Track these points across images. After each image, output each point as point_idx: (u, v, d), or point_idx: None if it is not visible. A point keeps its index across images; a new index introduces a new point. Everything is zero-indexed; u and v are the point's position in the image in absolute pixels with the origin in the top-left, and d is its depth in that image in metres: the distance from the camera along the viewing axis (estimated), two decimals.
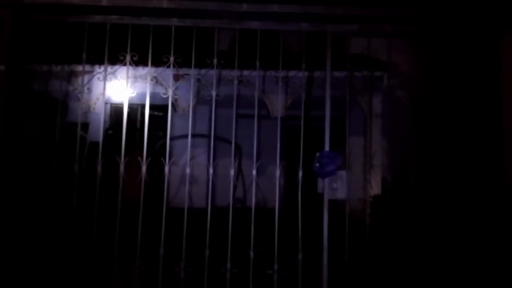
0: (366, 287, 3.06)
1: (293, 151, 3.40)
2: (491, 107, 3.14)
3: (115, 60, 3.44)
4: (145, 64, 3.39)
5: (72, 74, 6.07)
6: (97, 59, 3.51)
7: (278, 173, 3.23)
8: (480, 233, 3.08)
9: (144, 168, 3.19)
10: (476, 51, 3.20)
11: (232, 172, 3.56)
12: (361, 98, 7.33)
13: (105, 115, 9.13)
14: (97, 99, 7.96)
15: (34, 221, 3.43)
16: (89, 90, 6.18)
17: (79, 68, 3.72)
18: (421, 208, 3.42)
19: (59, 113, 3.37)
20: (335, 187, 3.15)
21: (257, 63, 3.32)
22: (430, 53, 3.68)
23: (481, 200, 3.06)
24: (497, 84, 3.13)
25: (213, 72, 3.34)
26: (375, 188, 3.72)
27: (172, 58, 3.30)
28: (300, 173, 3.20)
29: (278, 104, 3.77)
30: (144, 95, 3.37)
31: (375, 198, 5.73)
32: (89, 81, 3.67)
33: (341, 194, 3.16)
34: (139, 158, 3.19)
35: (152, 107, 3.35)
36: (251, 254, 3.09)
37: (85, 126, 7.90)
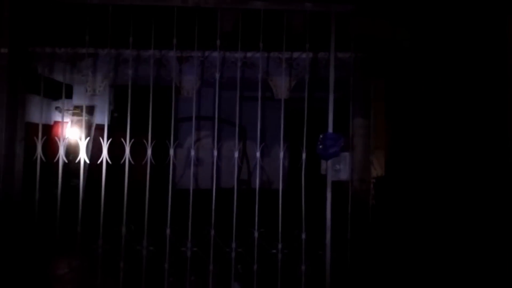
0: (368, 266, 3.12)
1: (297, 133, 3.41)
2: (497, 89, 3.12)
3: (119, 42, 3.43)
4: (148, 47, 3.38)
5: (76, 57, 6.08)
6: (100, 42, 3.50)
7: (281, 154, 3.26)
8: (484, 214, 3.12)
9: (149, 151, 3.24)
10: (481, 33, 3.16)
11: (236, 154, 3.60)
12: (365, 79, 7.27)
13: (110, 98, 9.18)
14: (102, 82, 7.99)
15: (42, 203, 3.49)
16: (93, 73, 6.21)
17: (83, 50, 3.73)
18: (425, 189, 3.45)
19: (63, 96, 3.40)
20: (338, 168, 3.18)
21: (261, 45, 3.30)
22: (435, 35, 3.64)
23: (485, 181, 3.08)
24: (503, 67, 3.10)
25: (216, 54, 3.33)
26: (378, 169, 3.75)
27: (175, 40, 3.30)
28: (304, 155, 3.22)
29: (282, 86, 3.76)
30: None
31: (378, 179, 5.77)
32: (93, 63, 3.66)
33: (344, 175, 3.19)
34: (145, 140, 3.23)
35: (156, 89, 3.37)
36: (256, 234, 3.15)
37: (91, 109, 7.95)
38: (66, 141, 3.27)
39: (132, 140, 3.22)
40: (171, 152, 3.27)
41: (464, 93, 3.33)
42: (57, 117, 7.25)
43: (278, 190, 3.28)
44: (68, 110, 7.19)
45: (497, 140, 3.10)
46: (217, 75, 3.36)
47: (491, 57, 3.15)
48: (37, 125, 3.30)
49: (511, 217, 2.89)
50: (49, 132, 6.56)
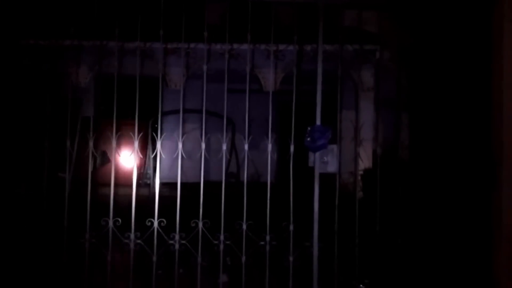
0: (354, 256, 3.16)
1: (285, 125, 3.41)
2: (482, 81, 3.16)
3: (104, 34, 3.38)
4: (135, 39, 3.34)
5: (63, 49, 5.98)
6: (86, 34, 3.44)
7: (270, 147, 3.26)
8: (467, 203, 3.18)
9: (136, 144, 3.21)
10: (468, 24, 3.19)
11: (224, 147, 3.59)
12: (353, 72, 7.32)
13: (97, 90, 9.06)
14: (88, 74, 7.87)
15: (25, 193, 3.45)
16: (79, 65, 6.11)
17: (67, 42, 3.66)
18: (412, 181, 3.49)
19: (50, 88, 3.34)
20: (326, 160, 3.20)
21: (249, 36, 3.28)
22: (422, 26, 3.66)
23: (469, 173, 3.13)
24: (488, 58, 3.13)
25: (203, 46, 3.31)
26: (366, 161, 3.77)
27: (162, 32, 3.25)
28: (292, 147, 3.23)
29: (270, 79, 3.76)
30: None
31: (366, 172, 5.83)
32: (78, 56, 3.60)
33: (331, 167, 3.22)
34: (131, 133, 3.21)
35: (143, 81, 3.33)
36: (244, 226, 3.16)
37: (78, 101, 7.85)
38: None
39: (119, 133, 3.18)
40: (158, 145, 3.25)
41: (451, 85, 3.37)
42: None
43: (266, 182, 3.29)
44: None
45: (481, 138, 3.14)
46: (205, 67, 3.33)
47: (478, 48, 3.18)
48: None
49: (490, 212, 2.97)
50: None
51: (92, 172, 3.28)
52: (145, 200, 4.11)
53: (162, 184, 3.34)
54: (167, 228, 3.18)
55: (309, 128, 3.19)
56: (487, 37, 3.10)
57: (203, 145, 3.29)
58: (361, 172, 5.88)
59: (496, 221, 3.02)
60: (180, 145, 3.27)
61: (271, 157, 3.27)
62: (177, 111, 3.38)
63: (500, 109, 2.97)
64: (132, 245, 3.14)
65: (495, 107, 3.07)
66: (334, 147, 3.22)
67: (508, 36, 2.92)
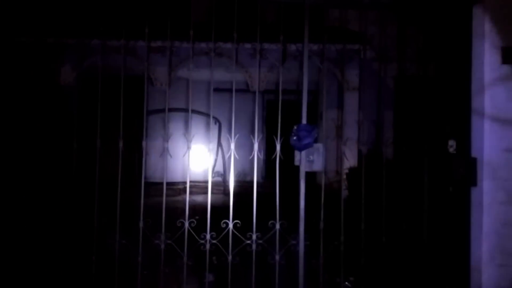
0: (339, 254, 3.19)
1: (272, 124, 3.42)
2: (463, 81, 3.23)
3: (89, 33, 3.33)
4: (120, 37, 3.30)
5: (49, 47, 5.86)
6: (71, 33, 3.38)
7: (256, 146, 3.26)
8: (448, 199, 3.26)
9: (121, 143, 3.17)
10: (449, 24, 3.26)
11: (210, 146, 3.58)
12: (338, 72, 7.38)
13: (80, 90, 8.90)
14: (71, 72, 7.74)
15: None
16: (63, 63, 5.99)
17: (50, 40, 3.59)
18: (396, 179, 3.54)
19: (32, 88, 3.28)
20: (312, 159, 3.21)
21: (235, 35, 3.27)
22: (406, 26, 3.71)
23: (450, 169, 3.20)
24: (468, 57, 3.20)
25: (189, 45, 3.29)
26: (351, 160, 3.81)
27: (147, 29, 3.22)
28: (278, 146, 3.24)
29: (257, 78, 3.76)
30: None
31: (351, 170, 5.89)
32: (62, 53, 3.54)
33: (317, 166, 3.23)
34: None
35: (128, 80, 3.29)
36: (230, 225, 3.16)
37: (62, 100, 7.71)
38: None
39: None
40: (144, 144, 3.22)
41: (435, 84, 3.43)
42: None
43: (252, 181, 3.29)
44: None
45: (462, 135, 3.21)
46: (191, 66, 3.32)
47: (458, 47, 3.25)
48: None
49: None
50: None
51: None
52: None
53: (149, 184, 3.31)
54: (153, 227, 3.16)
55: (295, 127, 3.21)
56: (468, 35, 3.17)
57: (190, 145, 3.27)
58: (346, 171, 5.95)
59: (477, 216, 3.09)
60: (166, 145, 3.25)
61: (257, 156, 3.27)
62: (162, 110, 3.36)
63: (482, 105, 3.05)
64: (117, 245, 3.12)
65: (473, 108, 3.15)
66: (320, 145, 3.23)
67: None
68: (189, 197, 3.23)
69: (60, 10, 3.19)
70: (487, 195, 3.03)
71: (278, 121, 3.26)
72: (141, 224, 3.15)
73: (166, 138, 3.25)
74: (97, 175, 3.20)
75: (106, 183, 3.34)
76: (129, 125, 3.35)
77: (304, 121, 3.23)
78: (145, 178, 3.32)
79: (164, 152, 3.24)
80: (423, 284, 3.22)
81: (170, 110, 3.50)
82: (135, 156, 3.39)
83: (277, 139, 3.23)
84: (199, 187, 7.16)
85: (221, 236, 3.14)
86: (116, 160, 3.15)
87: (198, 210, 3.52)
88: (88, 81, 7.66)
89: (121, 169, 3.21)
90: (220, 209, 3.33)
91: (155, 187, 4.10)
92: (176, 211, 3.23)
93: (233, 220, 3.16)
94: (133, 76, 3.74)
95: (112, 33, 3.27)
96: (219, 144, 9.81)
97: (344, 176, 5.65)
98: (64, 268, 3.27)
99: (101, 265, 3.15)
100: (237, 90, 3.43)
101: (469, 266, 3.13)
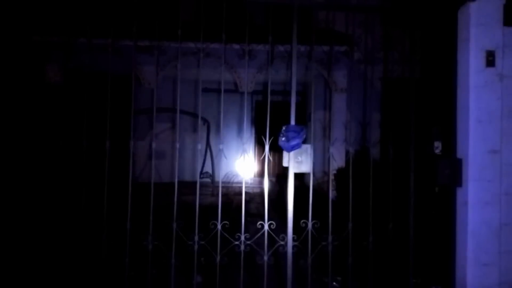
0: (327, 254, 3.21)
1: (261, 125, 3.42)
2: (448, 83, 3.28)
3: (76, 31, 3.29)
4: (107, 36, 3.27)
5: (35, 44, 5.77)
6: (58, 31, 3.33)
7: (267, 147, 3.26)
8: (434, 199, 3.31)
9: (108, 143, 3.14)
10: (435, 27, 3.31)
11: (199, 147, 3.57)
12: (326, 73, 7.44)
13: (68, 89, 8.76)
14: (58, 71, 7.63)
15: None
16: (49, 61, 5.90)
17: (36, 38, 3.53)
18: (383, 179, 3.57)
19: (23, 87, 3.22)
20: (300, 160, 3.23)
21: (223, 36, 3.27)
22: (392, 29, 3.75)
23: (435, 170, 3.25)
24: (454, 60, 3.26)
25: (177, 45, 3.27)
26: (339, 161, 3.84)
27: (135, 28, 3.20)
28: (267, 147, 3.25)
29: (245, 79, 3.76)
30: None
31: (339, 171, 5.93)
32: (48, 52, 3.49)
33: (306, 167, 3.25)
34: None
35: (116, 79, 3.26)
36: (219, 226, 3.15)
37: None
38: None
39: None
40: (131, 144, 3.20)
41: (419, 86, 3.47)
42: None
43: (241, 182, 3.29)
44: None
45: (447, 135, 3.27)
46: (179, 66, 3.30)
47: (444, 49, 3.30)
48: None
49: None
50: None
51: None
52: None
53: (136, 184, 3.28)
54: (141, 228, 3.14)
55: (283, 128, 3.22)
56: (453, 37, 3.23)
57: (178, 145, 3.26)
58: (334, 172, 5.99)
59: (462, 216, 3.15)
60: (153, 145, 3.23)
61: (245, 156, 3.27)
62: (150, 110, 3.33)
63: (467, 107, 3.11)
64: (104, 246, 3.08)
65: (459, 108, 3.21)
66: (308, 146, 3.25)
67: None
68: (180, 197, 3.22)
69: (46, 8, 3.15)
70: (472, 195, 3.09)
71: (267, 122, 3.26)
72: (128, 225, 3.12)
73: (153, 138, 3.23)
74: (82, 176, 3.16)
75: (93, 182, 3.30)
76: (117, 125, 3.31)
77: (292, 121, 3.24)
78: (135, 178, 3.29)
79: (153, 152, 3.21)
80: (409, 283, 3.27)
81: (158, 110, 3.47)
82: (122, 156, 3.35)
83: (265, 139, 3.24)
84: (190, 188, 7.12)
85: (209, 237, 3.13)
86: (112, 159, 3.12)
87: (188, 210, 3.51)
88: (76, 80, 7.57)
89: (108, 169, 3.18)
90: (209, 210, 3.32)
91: (142, 187, 4.07)
92: (165, 211, 3.21)
93: (221, 221, 3.15)
94: (120, 75, 3.71)
95: (99, 31, 3.24)
96: (208, 144, 9.78)
97: (332, 177, 5.69)
98: (53, 269, 3.22)
99: (90, 265, 3.11)
100: (225, 91, 3.43)
101: (454, 265, 3.20)
